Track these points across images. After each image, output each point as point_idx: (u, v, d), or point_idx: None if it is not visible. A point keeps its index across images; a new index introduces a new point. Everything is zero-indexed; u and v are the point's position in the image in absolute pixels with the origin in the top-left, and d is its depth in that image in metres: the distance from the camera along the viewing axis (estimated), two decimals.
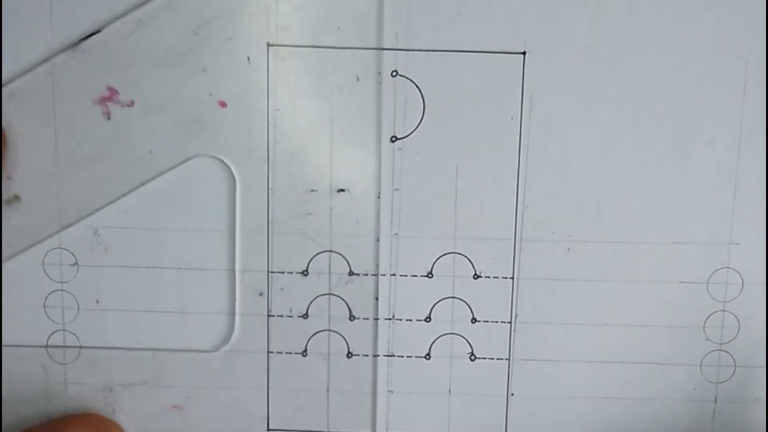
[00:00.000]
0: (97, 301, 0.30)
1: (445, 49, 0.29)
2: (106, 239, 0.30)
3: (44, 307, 0.30)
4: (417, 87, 0.29)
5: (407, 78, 0.29)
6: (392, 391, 0.31)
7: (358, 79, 0.29)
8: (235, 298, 0.30)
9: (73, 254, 0.30)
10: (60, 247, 0.30)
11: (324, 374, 0.31)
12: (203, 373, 0.31)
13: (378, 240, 0.30)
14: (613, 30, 0.29)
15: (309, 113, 0.29)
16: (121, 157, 0.29)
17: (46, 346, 0.31)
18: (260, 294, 0.30)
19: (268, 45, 0.29)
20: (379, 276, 0.30)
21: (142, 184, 0.30)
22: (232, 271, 0.30)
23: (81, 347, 0.31)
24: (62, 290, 0.30)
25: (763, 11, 0.29)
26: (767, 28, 0.29)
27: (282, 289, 0.30)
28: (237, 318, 0.30)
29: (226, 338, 0.31)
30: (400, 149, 0.29)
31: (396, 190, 0.30)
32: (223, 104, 0.29)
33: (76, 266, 0.30)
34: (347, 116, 0.29)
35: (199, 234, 0.30)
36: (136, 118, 0.29)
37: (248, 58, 0.29)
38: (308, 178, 0.30)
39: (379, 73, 0.29)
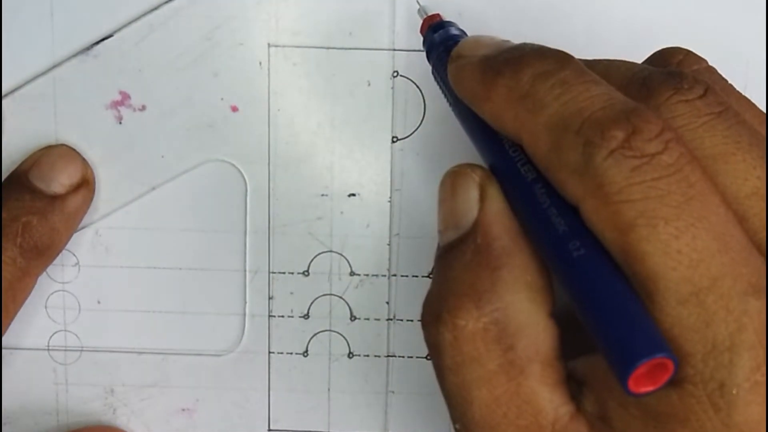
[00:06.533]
0: (99, 302, 0.30)
1: None
2: (107, 240, 0.30)
3: (45, 307, 0.30)
4: (418, 87, 0.29)
5: (408, 78, 0.29)
6: (393, 392, 0.31)
7: (369, 84, 0.29)
8: (245, 301, 0.30)
9: (74, 255, 0.30)
10: None
11: (325, 375, 0.31)
12: (211, 376, 0.31)
13: (389, 244, 0.30)
14: (613, 31, 0.29)
15: (318, 116, 0.29)
16: (133, 161, 0.29)
17: (48, 348, 0.31)
18: (271, 298, 0.30)
19: (275, 47, 0.29)
20: (390, 278, 0.30)
21: (153, 188, 0.30)
22: (241, 272, 0.30)
23: (83, 349, 0.31)
24: (64, 291, 0.30)
25: (763, 12, 0.29)
26: (767, 28, 0.29)
27: (288, 291, 0.30)
28: (247, 320, 0.30)
29: (234, 340, 0.31)
30: (401, 150, 0.29)
31: (397, 190, 0.30)
32: (234, 109, 0.29)
33: (77, 267, 0.30)
34: (358, 119, 0.29)
35: (208, 235, 0.30)
36: (147, 123, 0.29)
37: (260, 63, 0.29)
38: (318, 181, 0.30)
39: (392, 77, 0.29)
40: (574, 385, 0.20)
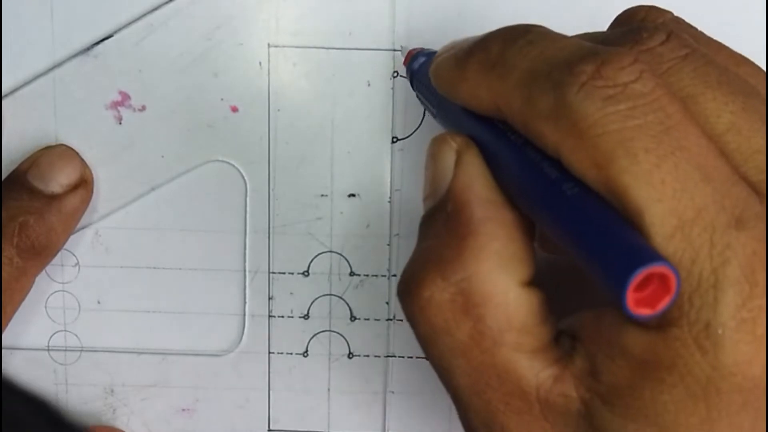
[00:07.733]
0: (99, 302, 0.30)
1: None
2: (107, 240, 0.30)
3: (45, 307, 0.30)
4: None
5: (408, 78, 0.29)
6: (393, 392, 0.31)
7: (369, 84, 0.29)
8: (245, 301, 0.30)
9: (74, 255, 0.30)
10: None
11: (325, 375, 0.31)
12: (211, 376, 0.31)
13: (389, 244, 0.30)
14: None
15: (318, 116, 0.29)
16: (133, 161, 0.29)
17: (48, 348, 0.31)
18: (271, 298, 0.30)
19: (275, 47, 0.29)
20: (390, 278, 0.30)
21: (153, 189, 0.30)
22: (241, 272, 0.30)
23: (83, 349, 0.31)
24: (64, 291, 0.30)
25: (763, 12, 0.29)
26: (767, 28, 0.29)
27: (288, 291, 0.30)
28: (247, 320, 0.30)
29: (234, 340, 0.31)
30: (401, 150, 0.29)
31: (397, 190, 0.30)
32: (234, 109, 0.29)
33: (77, 267, 0.30)
34: (358, 119, 0.29)
35: (208, 235, 0.30)
36: (147, 123, 0.29)
37: (260, 63, 0.29)
38: (318, 181, 0.30)
39: (392, 77, 0.29)
40: (568, 343, 0.19)
